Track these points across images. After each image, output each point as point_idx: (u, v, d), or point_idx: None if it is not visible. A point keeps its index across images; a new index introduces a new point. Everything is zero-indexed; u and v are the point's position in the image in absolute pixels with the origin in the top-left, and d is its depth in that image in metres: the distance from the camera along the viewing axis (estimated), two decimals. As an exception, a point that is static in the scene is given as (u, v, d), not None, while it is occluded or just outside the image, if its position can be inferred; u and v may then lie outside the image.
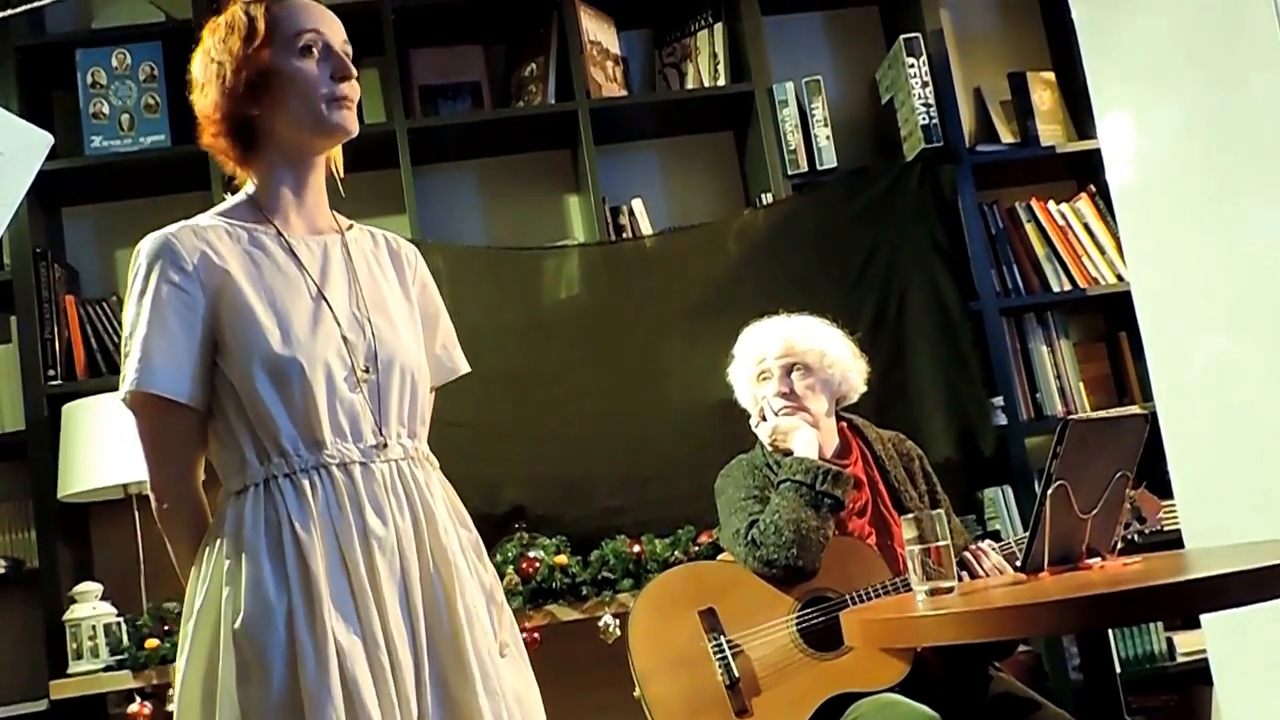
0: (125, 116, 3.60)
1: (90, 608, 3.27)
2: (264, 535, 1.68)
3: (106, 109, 3.60)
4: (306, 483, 1.70)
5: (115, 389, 3.29)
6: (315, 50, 1.79)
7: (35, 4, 3.07)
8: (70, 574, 3.41)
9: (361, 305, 1.82)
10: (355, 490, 1.72)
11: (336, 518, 1.70)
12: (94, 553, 3.61)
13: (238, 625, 1.65)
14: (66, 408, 3.38)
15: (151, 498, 1.78)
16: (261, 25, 1.78)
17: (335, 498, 1.71)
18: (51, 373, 3.47)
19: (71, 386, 3.46)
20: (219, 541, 1.72)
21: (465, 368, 2.05)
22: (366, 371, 1.77)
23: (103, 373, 3.50)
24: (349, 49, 1.84)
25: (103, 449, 3.29)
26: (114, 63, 3.62)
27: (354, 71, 1.81)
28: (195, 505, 1.79)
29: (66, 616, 3.27)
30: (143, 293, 1.73)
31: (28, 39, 3.61)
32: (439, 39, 3.87)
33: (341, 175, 1.93)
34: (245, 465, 1.73)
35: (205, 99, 1.82)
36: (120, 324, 3.52)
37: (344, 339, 1.77)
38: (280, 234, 1.81)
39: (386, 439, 1.77)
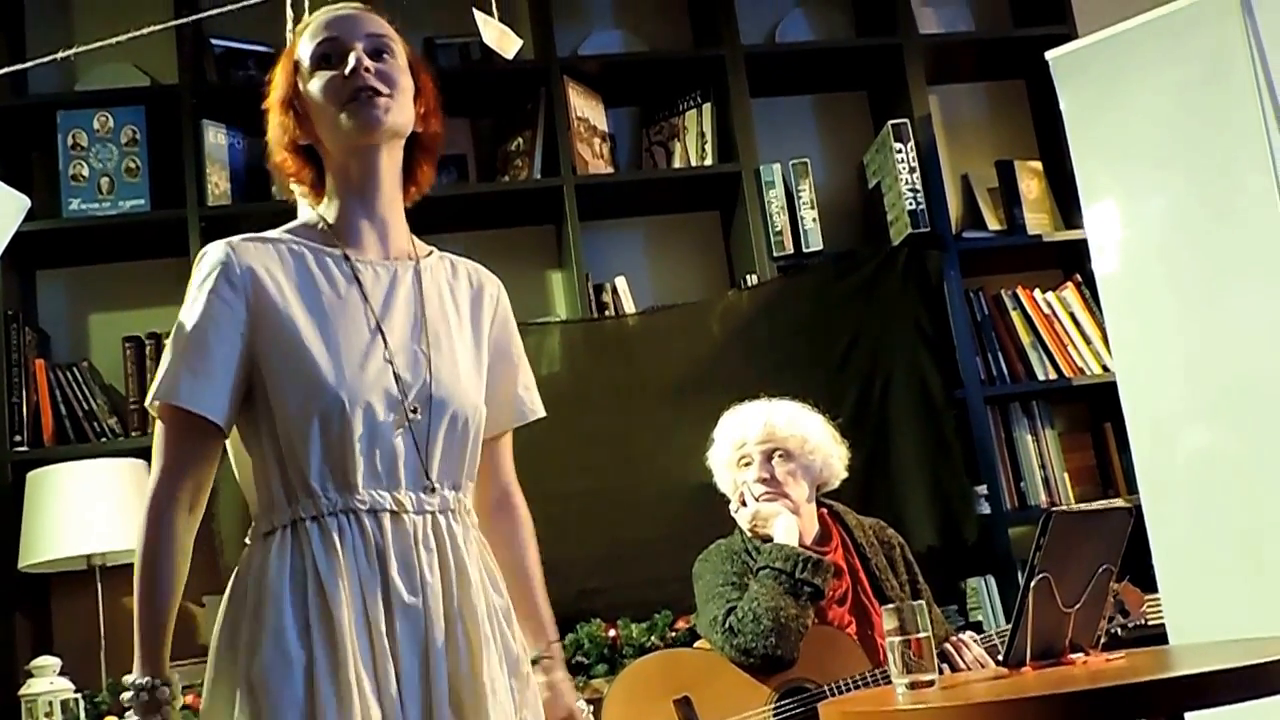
0: (105, 180, 3.56)
1: (48, 683, 3.15)
2: (288, 582, 1.60)
3: (86, 171, 3.56)
4: (334, 527, 1.61)
5: (83, 457, 3.30)
6: (332, 58, 1.73)
7: (18, 66, 3.06)
8: (28, 647, 3.31)
9: (423, 341, 1.73)
10: (384, 542, 1.62)
11: (364, 571, 1.61)
12: (54, 625, 3.52)
13: (254, 675, 1.56)
14: (31, 475, 3.31)
15: (143, 512, 1.66)
16: (286, 60, 1.78)
17: (363, 548, 1.62)
18: (18, 438, 3.39)
19: (38, 453, 3.38)
20: (244, 586, 1.64)
21: (541, 411, 1.96)
22: (414, 412, 1.67)
23: (70, 440, 3.43)
24: (384, 39, 1.76)
25: (67, 518, 3.21)
26: (95, 125, 3.58)
27: (365, 62, 1.71)
28: (176, 527, 1.65)
29: (23, 691, 3.16)
30: (192, 300, 1.68)
31: (9, 98, 3.59)
32: (426, 111, 3.87)
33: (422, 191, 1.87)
34: (273, 505, 1.65)
35: (270, 130, 1.80)
36: (92, 391, 3.48)
37: (397, 377, 1.68)
38: (346, 258, 1.73)
39: (425, 491, 1.67)
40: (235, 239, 1.71)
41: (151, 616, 1.62)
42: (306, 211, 1.83)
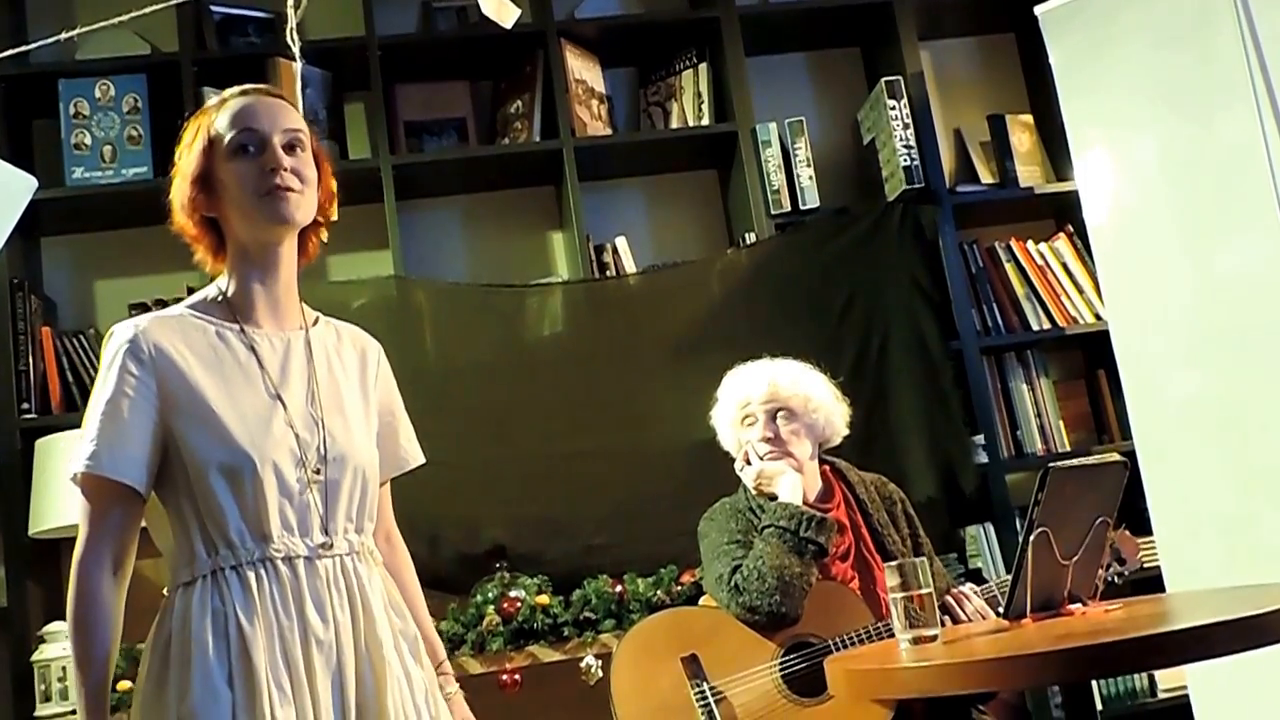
0: (107, 148, 3.57)
1: (61, 648, 3.20)
2: (210, 626, 1.74)
3: (89, 140, 3.57)
4: (252, 575, 1.77)
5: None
6: (251, 148, 1.85)
7: (19, 49, 3.05)
8: (41, 613, 3.36)
9: (317, 404, 1.89)
10: (299, 586, 1.79)
11: (281, 613, 1.77)
12: (65, 591, 3.55)
13: (184, 712, 1.70)
14: (40, 442, 3.34)
15: (73, 576, 1.79)
16: (202, 135, 1.89)
17: (280, 592, 1.78)
18: (26, 406, 3.42)
19: (46, 420, 3.41)
20: (167, 632, 1.77)
21: (421, 459, 2.13)
22: (317, 472, 1.84)
23: (78, 407, 3.43)
24: (298, 135, 1.89)
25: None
26: (97, 94, 3.59)
27: (282, 162, 1.85)
28: (105, 592, 1.78)
29: (35, 657, 3.21)
30: (104, 380, 1.81)
31: (9, 68, 3.55)
32: (425, 75, 3.87)
33: (323, 241, 2.01)
34: (194, 557, 1.79)
35: (175, 197, 1.91)
36: (98, 358, 3.49)
37: (297, 437, 1.84)
38: (244, 330, 1.88)
39: (333, 536, 1.84)
40: (142, 319, 1.86)
41: (92, 677, 1.75)
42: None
